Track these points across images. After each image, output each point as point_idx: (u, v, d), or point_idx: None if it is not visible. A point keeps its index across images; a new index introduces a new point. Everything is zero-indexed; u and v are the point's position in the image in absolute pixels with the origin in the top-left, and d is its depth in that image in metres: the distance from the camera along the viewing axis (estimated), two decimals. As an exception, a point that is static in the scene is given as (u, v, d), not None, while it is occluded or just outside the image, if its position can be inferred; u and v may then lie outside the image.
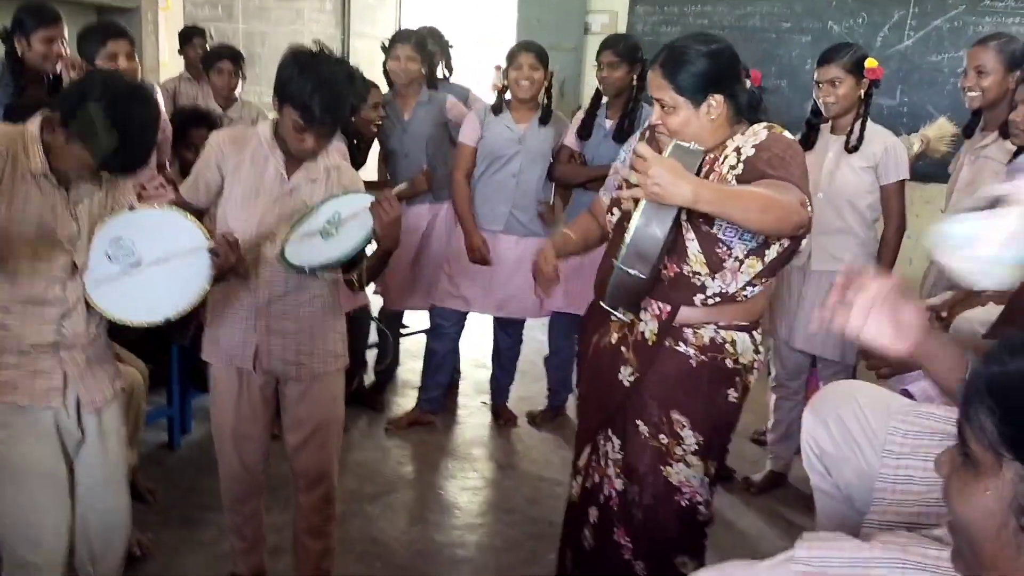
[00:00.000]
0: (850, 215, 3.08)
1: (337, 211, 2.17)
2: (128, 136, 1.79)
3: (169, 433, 3.50)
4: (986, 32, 4.66)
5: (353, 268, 2.24)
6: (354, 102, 2.25)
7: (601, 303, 2.02)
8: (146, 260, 1.96)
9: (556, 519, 3.10)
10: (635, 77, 3.51)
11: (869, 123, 3.07)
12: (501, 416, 3.97)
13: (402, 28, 3.97)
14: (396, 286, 3.92)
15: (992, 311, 2.24)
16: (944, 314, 2.39)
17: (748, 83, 2.06)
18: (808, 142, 3.11)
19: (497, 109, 3.59)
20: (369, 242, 2.13)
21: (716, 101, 1.96)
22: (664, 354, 2.03)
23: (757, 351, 2.08)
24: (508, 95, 3.59)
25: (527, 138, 3.58)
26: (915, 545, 1.19)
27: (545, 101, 3.57)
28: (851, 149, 3.03)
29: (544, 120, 3.59)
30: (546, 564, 2.81)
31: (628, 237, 1.75)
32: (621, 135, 3.47)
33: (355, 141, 3.63)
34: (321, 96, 2.05)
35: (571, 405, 4.04)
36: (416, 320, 4.89)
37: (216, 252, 1.96)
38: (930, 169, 3.77)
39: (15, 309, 1.89)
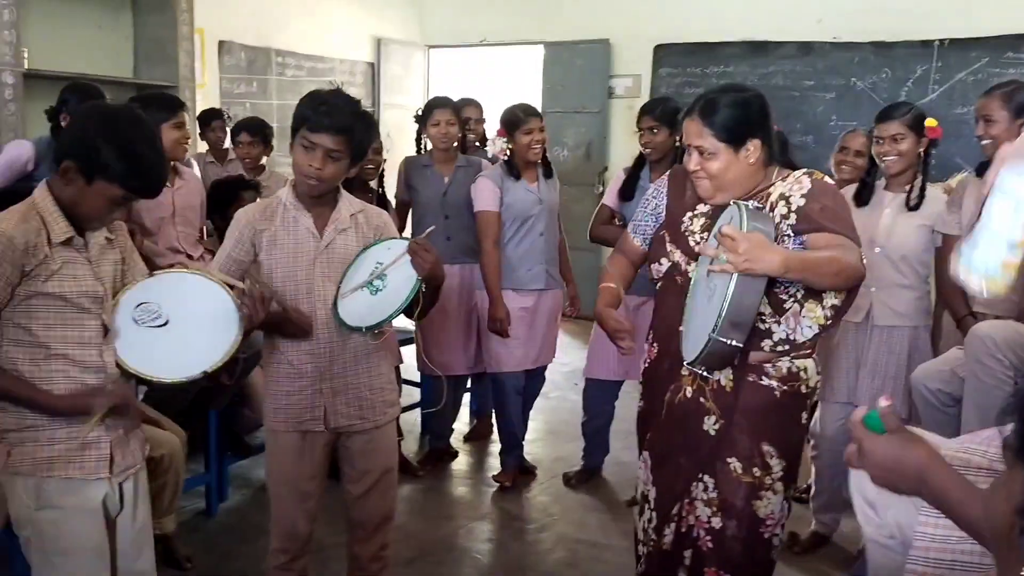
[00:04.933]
0: (908, 270, 3.10)
1: (378, 261, 2.23)
2: (141, 151, 1.84)
3: (207, 500, 3.51)
4: (1010, 83, 4.68)
5: (408, 316, 2.27)
6: (364, 136, 2.28)
7: (688, 364, 2.06)
8: (173, 319, 1.99)
9: (594, 581, 3.07)
10: (677, 139, 3.56)
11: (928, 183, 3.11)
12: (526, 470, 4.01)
13: (434, 96, 4.12)
14: (436, 349, 3.90)
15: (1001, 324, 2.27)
16: None
17: (776, 127, 2.17)
18: (861, 198, 3.13)
19: (517, 175, 3.68)
20: (418, 292, 2.17)
21: (754, 146, 2.06)
22: (748, 389, 2.11)
23: (818, 372, 2.21)
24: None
25: (543, 195, 3.73)
26: None
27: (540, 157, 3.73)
28: (913, 207, 3.06)
29: (548, 174, 3.78)
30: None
31: (723, 310, 1.83)
32: None
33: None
34: (331, 101, 2.17)
35: (606, 464, 4.01)
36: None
37: (243, 303, 2.00)
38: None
39: (59, 379, 1.90)
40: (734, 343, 1.87)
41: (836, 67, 5.73)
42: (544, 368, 3.98)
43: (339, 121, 2.17)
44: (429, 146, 3.98)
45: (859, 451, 1.24)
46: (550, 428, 4.56)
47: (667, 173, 2.40)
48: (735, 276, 1.80)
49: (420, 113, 3.98)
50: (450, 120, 3.85)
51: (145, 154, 1.85)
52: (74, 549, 1.94)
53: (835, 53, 5.72)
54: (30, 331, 1.87)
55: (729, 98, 2.07)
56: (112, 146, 1.80)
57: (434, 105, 3.93)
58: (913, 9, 5.43)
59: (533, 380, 3.97)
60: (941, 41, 5.35)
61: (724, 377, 2.12)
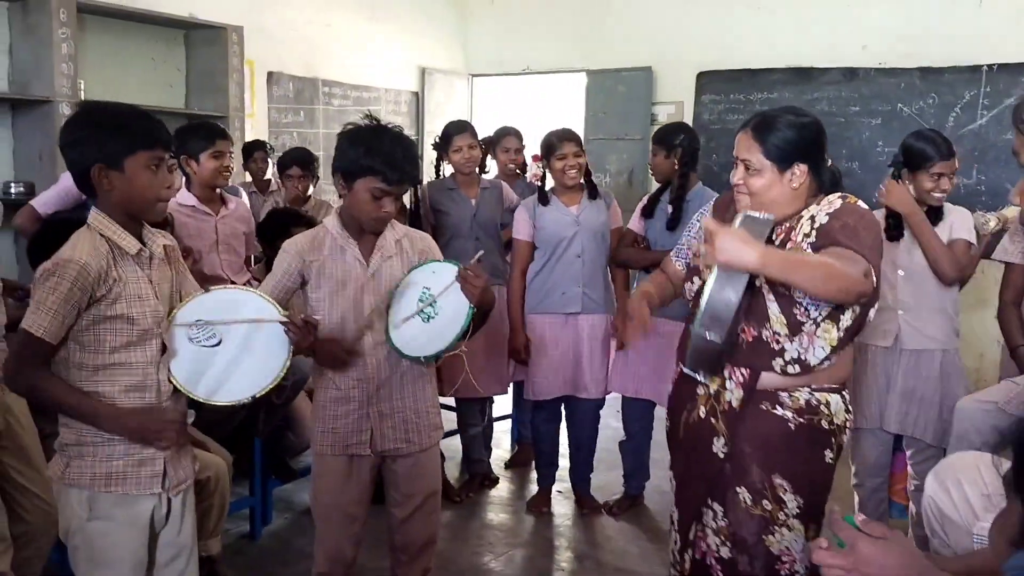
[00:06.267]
0: (933, 290, 3.07)
1: (425, 286, 2.26)
2: (132, 114, 1.96)
3: (251, 523, 3.55)
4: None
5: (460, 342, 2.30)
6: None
7: (683, 368, 2.08)
8: (226, 339, 2.02)
9: (636, 611, 3.03)
10: (676, 163, 3.60)
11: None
12: (584, 506, 3.91)
13: (449, 121, 4.09)
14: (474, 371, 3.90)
15: None
16: None
17: (829, 162, 2.14)
18: (891, 231, 3.07)
19: (545, 200, 3.68)
20: (472, 318, 2.21)
21: (800, 171, 2.05)
22: (762, 418, 2.07)
23: (848, 411, 2.14)
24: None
25: (582, 217, 3.68)
26: None
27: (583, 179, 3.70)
28: (933, 224, 3.05)
29: (593, 195, 3.71)
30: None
31: (703, 302, 1.85)
32: (673, 222, 3.58)
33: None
34: (399, 155, 2.20)
35: (648, 492, 3.97)
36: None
37: (290, 329, 2.03)
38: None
39: (121, 399, 1.95)
40: (713, 338, 1.86)
41: (882, 93, 5.66)
42: (592, 411, 3.84)
43: (413, 174, 2.27)
44: (448, 171, 4.00)
45: (848, 554, 1.17)
46: (592, 456, 4.52)
47: (713, 200, 2.42)
48: (715, 270, 1.81)
49: (438, 140, 3.98)
50: (471, 144, 3.87)
51: (130, 112, 2.00)
52: (116, 561, 1.99)
53: (881, 79, 5.66)
54: (96, 355, 1.92)
55: (786, 119, 2.08)
56: (97, 124, 1.92)
57: (453, 131, 3.91)
58: (960, 34, 5.36)
59: (580, 409, 3.84)
60: (990, 66, 5.27)
61: (736, 399, 2.09)
